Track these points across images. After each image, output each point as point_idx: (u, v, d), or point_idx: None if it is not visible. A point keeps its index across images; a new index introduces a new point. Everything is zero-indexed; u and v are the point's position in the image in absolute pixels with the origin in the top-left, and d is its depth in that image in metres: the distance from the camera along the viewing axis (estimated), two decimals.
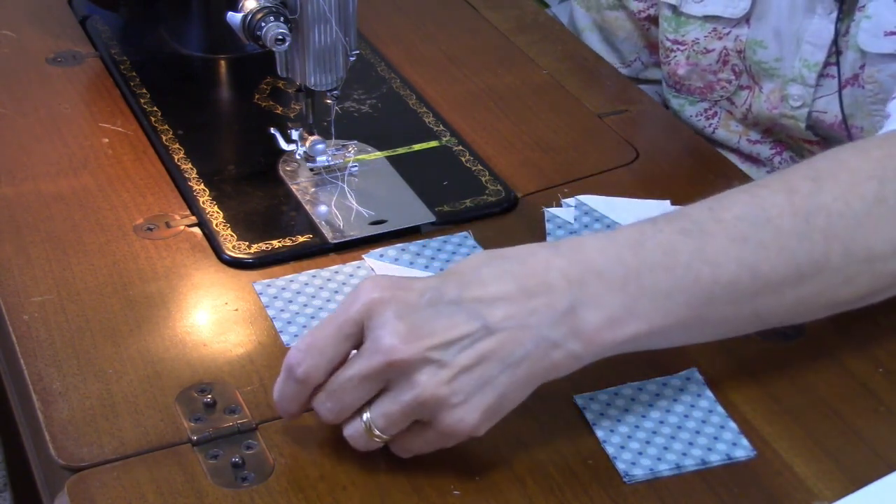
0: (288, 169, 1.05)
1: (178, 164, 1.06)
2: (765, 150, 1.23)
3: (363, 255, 0.96)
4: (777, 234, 0.78)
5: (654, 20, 1.29)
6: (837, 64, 1.11)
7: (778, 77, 1.16)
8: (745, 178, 1.08)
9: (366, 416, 0.74)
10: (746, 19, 1.17)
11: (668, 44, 1.23)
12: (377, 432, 0.74)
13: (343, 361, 0.75)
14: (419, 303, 0.74)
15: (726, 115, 1.25)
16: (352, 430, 0.75)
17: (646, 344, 0.78)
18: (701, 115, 1.26)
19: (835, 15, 1.10)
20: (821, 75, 1.13)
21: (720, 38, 1.19)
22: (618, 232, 0.79)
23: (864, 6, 1.08)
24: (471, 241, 0.98)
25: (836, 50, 1.11)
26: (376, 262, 0.95)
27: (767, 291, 0.79)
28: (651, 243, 0.78)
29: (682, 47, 1.22)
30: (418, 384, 0.72)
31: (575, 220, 1.00)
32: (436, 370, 0.72)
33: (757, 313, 0.80)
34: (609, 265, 0.76)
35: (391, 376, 0.73)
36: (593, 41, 1.35)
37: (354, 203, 1.01)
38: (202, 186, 1.03)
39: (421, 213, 1.01)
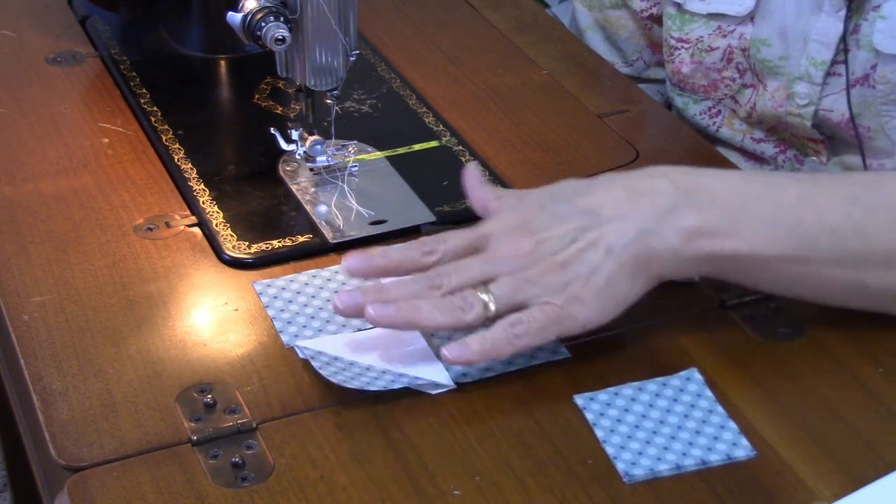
0: (288, 169, 1.05)
1: (178, 164, 1.06)
2: (769, 149, 1.23)
3: None
4: (890, 205, 0.82)
5: (656, 19, 1.29)
6: (846, 62, 1.11)
7: (782, 75, 1.16)
8: None
9: (487, 295, 0.82)
10: (751, 17, 1.17)
11: (673, 42, 1.23)
12: (493, 308, 0.81)
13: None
14: (532, 203, 0.85)
15: (730, 113, 1.24)
16: (472, 313, 0.82)
17: (749, 272, 0.84)
18: (704, 113, 1.26)
19: (843, 13, 1.10)
20: (828, 74, 1.13)
21: (724, 36, 1.19)
22: (737, 170, 0.87)
23: (879, 6, 1.08)
24: None
25: (844, 48, 1.11)
26: None
27: (876, 262, 0.83)
28: (764, 179, 0.86)
29: (686, 45, 1.22)
30: (532, 267, 0.81)
31: None
32: (547, 256, 0.81)
33: (864, 284, 0.84)
34: (718, 186, 0.84)
35: (501, 265, 0.82)
36: (595, 40, 1.35)
37: (354, 203, 1.01)
38: (202, 186, 1.03)
39: (421, 213, 1.01)
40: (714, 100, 1.24)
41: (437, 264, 0.84)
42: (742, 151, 1.26)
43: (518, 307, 0.82)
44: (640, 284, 0.83)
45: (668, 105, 1.35)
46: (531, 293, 0.82)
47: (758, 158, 1.25)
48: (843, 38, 1.10)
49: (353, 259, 0.85)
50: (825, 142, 1.18)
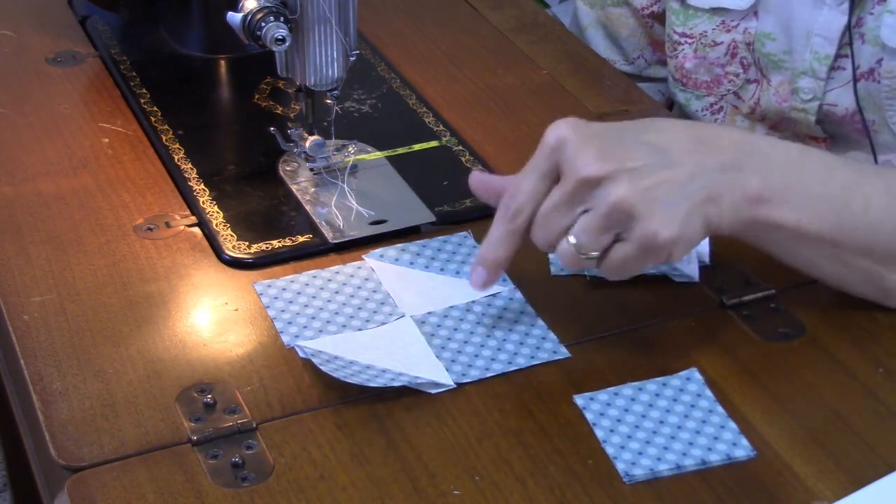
0: (288, 169, 1.05)
1: (178, 164, 1.06)
2: None
3: (363, 256, 0.96)
4: None
5: (657, 17, 1.29)
6: (851, 56, 1.11)
7: (787, 69, 1.16)
8: None
9: (572, 237, 0.82)
10: (754, 11, 1.17)
11: (676, 37, 1.23)
12: (584, 249, 0.82)
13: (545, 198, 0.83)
14: (604, 133, 0.83)
15: (732, 110, 1.24)
16: (564, 253, 0.83)
17: (784, 243, 0.86)
18: (706, 109, 1.26)
19: (846, 6, 1.10)
20: (832, 68, 1.13)
21: (728, 31, 1.19)
22: (785, 140, 0.88)
23: (885, 0, 1.08)
24: (471, 241, 0.98)
25: (848, 41, 1.11)
26: (376, 263, 0.95)
27: None
28: (817, 157, 0.87)
29: (689, 40, 1.22)
30: (611, 195, 0.80)
31: None
32: (623, 184, 0.80)
33: (883, 278, 0.87)
34: (775, 153, 0.85)
35: (586, 195, 0.81)
36: (596, 38, 1.35)
37: (354, 203, 1.01)
38: (202, 186, 1.03)
39: (421, 213, 1.01)
40: (716, 96, 1.24)
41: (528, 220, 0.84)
42: None
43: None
44: (703, 229, 0.83)
45: (670, 104, 1.35)
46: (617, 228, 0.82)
47: None
48: (847, 32, 1.10)
49: (475, 277, 0.87)
50: (827, 140, 1.18)
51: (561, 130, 0.83)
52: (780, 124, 1.21)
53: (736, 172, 0.83)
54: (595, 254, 0.82)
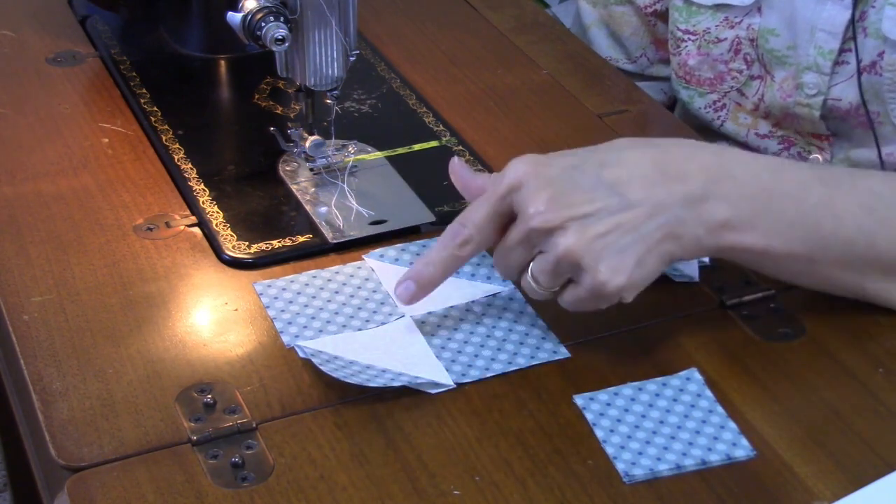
0: (288, 169, 1.05)
1: (178, 164, 1.06)
2: (773, 146, 1.23)
3: (363, 256, 0.96)
4: None
5: (660, 15, 1.29)
6: (855, 50, 1.11)
7: (791, 65, 1.16)
8: None
9: (528, 274, 0.84)
10: (758, 7, 1.17)
11: (679, 34, 1.23)
12: (541, 287, 0.84)
13: (496, 233, 0.85)
14: (560, 176, 0.83)
15: (735, 107, 1.24)
16: (525, 285, 0.85)
17: (755, 261, 0.86)
18: (710, 107, 1.26)
19: (849, 0, 1.10)
20: (835, 63, 1.13)
21: (732, 27, 1.19)
22: (761, 155, 0.88)
23: None
24: None
25: (852, 36, 1.11)
26: (376, 263, 0.95)
27: (878, 268, 0.86)
28: (789, 174, 0.86)
29: (692, 37, 1.22)
30: (559, 245, 0.81)
31: None
32: (574, 234, 0.80)
33: (863, 287, 0.87)
34: (746, 176, 0.85)
35: (539, 240, 0.82)
36: (599, 37, 1.35)
37: (354, 203, 1.01)
38: (202, 186, 1.03)
39: (421, 213, 1.01)
40: (720, 93, 1.24)
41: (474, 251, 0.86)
42: (745, 148, 1.25)
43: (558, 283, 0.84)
44: (661, 265, 0.84)
45: (672, 102, 1.35)
46: (568, 273, 0.83)
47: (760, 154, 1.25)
48: (851, 26, 1.10)
49: (402, 289, 0.86)
50: (829, 138, 1.18)
51: (519, 171, 0.83)
52: (783, 121, 1.21)
53: (701, 204, 0.83)
54: (554, 289, 0.84)
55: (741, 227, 0.84)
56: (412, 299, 0.87)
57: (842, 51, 1.13)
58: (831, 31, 1.12)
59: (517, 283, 0.86)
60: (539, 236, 0.82)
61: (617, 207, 0.82)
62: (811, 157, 1.20)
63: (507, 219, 0.84)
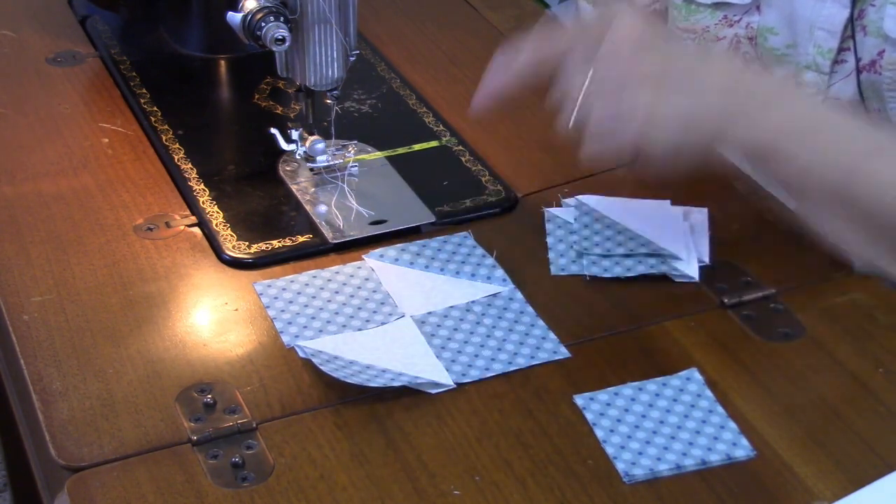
0: (288, 169, 1.05)
1: (178, 164, 1.06)
2: None
3: (363, 256, 0.96)
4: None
5: (659, 15, 1.29)
6: (854, 49, 1.11)
7: (790, 64, 1.16)
8: (744, 179, 1.08)
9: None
10: (756, 6, 1.17)
11: (678, 32, 1.24)
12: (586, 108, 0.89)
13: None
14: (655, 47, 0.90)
15: None
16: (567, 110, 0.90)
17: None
18: None
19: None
20: (834, 62, 1.13)
21: (731, 26, 1.19)
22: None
23: None
24: (471, 241, 0.98)
25: (851, 34, 1.11)
26: (376, 263, 0.95)
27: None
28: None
29: (692, 35, 1.22)
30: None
31: (575, 220, 1.00)
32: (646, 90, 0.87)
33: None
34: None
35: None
36: None
37: (354, 203, 1.01)
38: (202, 186, 1.03)
39: (421, 213, 1.01)
40: None
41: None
42: None
43: None
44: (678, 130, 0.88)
45: None
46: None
47: None
48: (850, 24, 1.10)
49: (478, 99, 0.93)
50: None
51: (626, 30, 0.89)
52: None
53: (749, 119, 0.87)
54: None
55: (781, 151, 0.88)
56: (485, 103, 0.94)
57: (840, 49, 1.13)
58: (830, 30, 1.12)
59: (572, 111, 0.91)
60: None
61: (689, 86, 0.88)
62: None
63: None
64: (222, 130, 1.16)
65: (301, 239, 0.98)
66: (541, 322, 0.90)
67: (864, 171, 0.86)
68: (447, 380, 0.84)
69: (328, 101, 1.03)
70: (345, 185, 1.03)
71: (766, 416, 0.82)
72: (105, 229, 0.98)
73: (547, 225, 1.00)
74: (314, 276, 0.94)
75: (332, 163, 1.04)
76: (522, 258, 0.96)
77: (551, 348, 0.87)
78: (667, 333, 0.89)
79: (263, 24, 0.96)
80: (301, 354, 0.86)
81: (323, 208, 1.01)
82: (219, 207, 1.01)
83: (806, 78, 1.15)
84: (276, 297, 0.91)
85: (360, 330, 0.89)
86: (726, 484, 0.77)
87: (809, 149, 0.88)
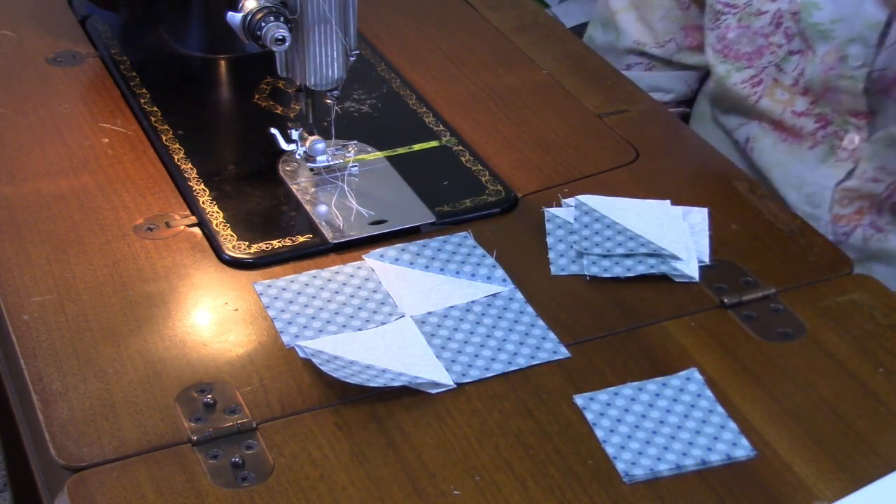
0: (288, 169, 1.06)
1: (178, 164, 1.06)
2: (808, 124, 1.22)
3: (363, 256, 0.96)
4: None
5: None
6: None
7: (833, 39, 1.16)
8: (745, 179, 1.08)
9: None
10: None
11: (719, 6, 1.24)
12: None
13: None
14: None
15: (773, 83, 1.23)
16: None
17: None
18: (746, 82, 1.25)
19: None
20: (882, 34, 1.13)
21: (774, 0, 1.19)
22: None
23: None
24: (471, 241, 0.98)
25: None
26: (376, 263, 0.95)
27: None
28: None
29: (733, 10, 1.23)
30: None
31: (575, 220, 1.00)
32: None
33: None
34: None
35: None
36: (628, 22, 1.36)
37: (354, 203, 1.01)
38: (202, 186, 1.03)
39: (421, 213, 1.01)
40: (757, 68, 1.24)
41: None
42: (779, 126, 1.24)
43: None
44: None
45: (694, 94, 1.35)
46: None
47: (795, 134, 1.23)
48: None
49: None
50: (868, 116, 1.17)
51: None
52: (823, 96, 1.19)
53: None
54: None
55: None
56: None
57: (889, 22, 1.12)
58: (879, 2, 1.12)
59: None
60: None
61: None
62: (847, 136, 1.20)
63: None
64: (222, 130, 1.16)
65: (301, 239, 0.98)
66: (541, 322, 0.90)
67: None
68: (447, 380, 0.84)
69: (328, 101, 1.03)
70: (345, 185, 1.03)
71: (766, 416, 0.82)
72: (105, 229, 0.98)
73: (547, 225, 1.00)
74: (314, 276, 0.94)
75: (332, 163, 1.05)
76: (522, 258, 0.96)
77: (551, 348, 0.87)
78: (667, 333, 0.89)
79: (263, 24, 0.96)
80: (301, 354, 0.86)
81: (323, 208, 1.01)
82: (219, 207, 1.01)
83: (850, 52, 1.14)
84: (276, 297, 0.91)
85: (360, 330, 0.89)
86: (726, 484, 0.77)
87: None
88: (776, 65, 1.22)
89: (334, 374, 0.82)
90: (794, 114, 1.22)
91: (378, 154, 1.08)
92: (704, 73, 1.38)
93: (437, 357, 0.86)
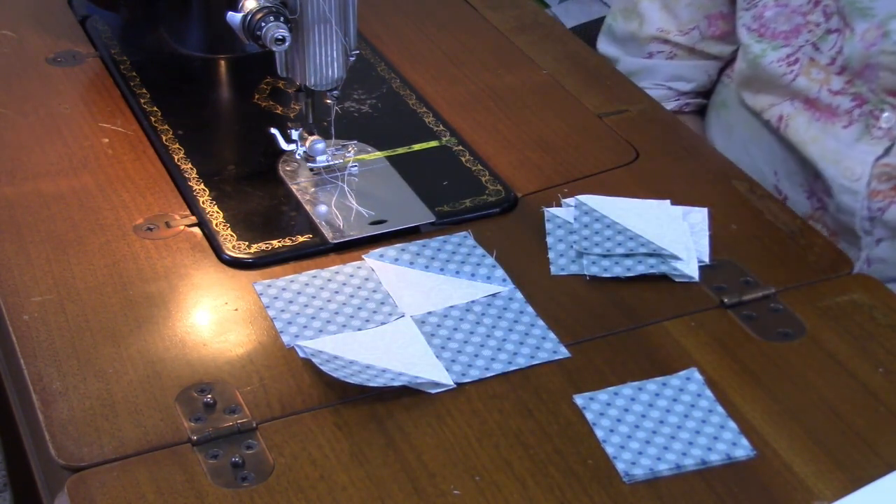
0: (288, 169, 1.06)
1: (178, 164, 1.06)
2: (845, 102, 1.21)
3: (363, 256, 0.96)
4: None
5: None
6: None
7: (873, 16, 1.15)
8: (745, 179, 1.08)
9: None
10: None
11: None
12: None
13: None
14: None
15: (809, 62, 1.23)
16: None
17: None
18: (782, 60, 1.24)
19: None
20: None
21: None
22: None
23: None
24: (471, 241, 0.98)
25: None
26: (376, 263, 0.95)
27: None
28: None
29: None
30: None
31: (575, 220, 1.00)
32: None
33: None
34: None
35: None
36: (651, 10, 1.36)
37: (354, 203, 1.01)
38: (202, 186, 1.03)
39: (421, 213, 1.01)
40: (794, 47, 1.23)
41: None
42: (814, 105, 1.23)
43: None
44: None
45: (712, 85, 1.36)
46: None
47: (830, 112, 1.22)
48: None
49: None
50: None
51: None
52: (861, 74, 1.19)
53: None
54: None
55: None
56: None
57: None
58: None
59: None
60: None
61: None
62: (883, 115, 1.19)
63: None
64: (222, 130, 1.16)
65: (301, 239, 0.98)
66: (540, 322, 0.90)
67: None
68: (447, 380, 0.84)
69: (328, 101, 1.03)
70: (345, 185, 1.03)
71: (766, 416, 0.82)
72: (105, 229, 0.98)
73: (547, 225, 1.00)
74: (314, 276, 0.94)
75: (332, 163, 1.05)
76: (522, 258, 0.96)
77: (551, 348, 0.87)
78: (667, 333, 0.89)
79: (263, 24, 0.96)
80: (301, 354, 0.86)
81: (323, 208, 1.01)
82: (219, 207, 1.01)
83: (893, 27, 1.14)
84: (276, 297, 0.91)
85: (359, 330, 0.89)
86: (726, 484, 0.77)
87: None
88: (812, 44, 1.21)
89: (334, 374, 0.82)
90: (831, 92, 1.21)
91: (378, 154, 1.08)
92: (725, 64, 1.38)
93: (437, 357, 0.86)
